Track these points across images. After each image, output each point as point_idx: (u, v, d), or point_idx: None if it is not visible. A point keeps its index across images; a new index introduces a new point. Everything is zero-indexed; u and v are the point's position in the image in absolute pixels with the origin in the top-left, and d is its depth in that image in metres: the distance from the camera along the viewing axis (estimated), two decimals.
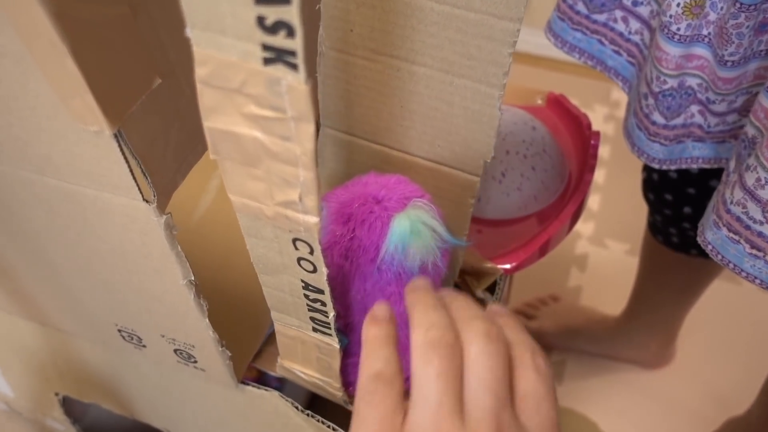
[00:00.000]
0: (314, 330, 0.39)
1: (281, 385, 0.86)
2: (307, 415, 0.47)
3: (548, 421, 0.25)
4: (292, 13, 0.20)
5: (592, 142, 0.61)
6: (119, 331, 0.46)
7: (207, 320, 0.40)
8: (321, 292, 0.33)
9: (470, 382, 0.25)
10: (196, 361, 0.46)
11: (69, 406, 0.63)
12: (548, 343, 0.99)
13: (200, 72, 0.23)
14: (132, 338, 0.47)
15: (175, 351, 0.45)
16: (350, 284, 0.40)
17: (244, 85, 0.23)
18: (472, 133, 0.43)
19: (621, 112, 1.41)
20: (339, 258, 0.39)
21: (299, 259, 0.31)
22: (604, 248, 1.14)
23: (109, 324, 0.46)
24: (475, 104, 0.41)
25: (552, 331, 0.98)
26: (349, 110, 0.44)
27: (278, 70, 0.22)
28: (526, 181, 0.59)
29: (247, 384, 0.48)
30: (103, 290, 0.42)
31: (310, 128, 0.23)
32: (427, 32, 0.39)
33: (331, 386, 0.44)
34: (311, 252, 0.30)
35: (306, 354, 0.42)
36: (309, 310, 0.36)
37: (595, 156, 0.61)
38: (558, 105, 0.67)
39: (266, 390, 0.48)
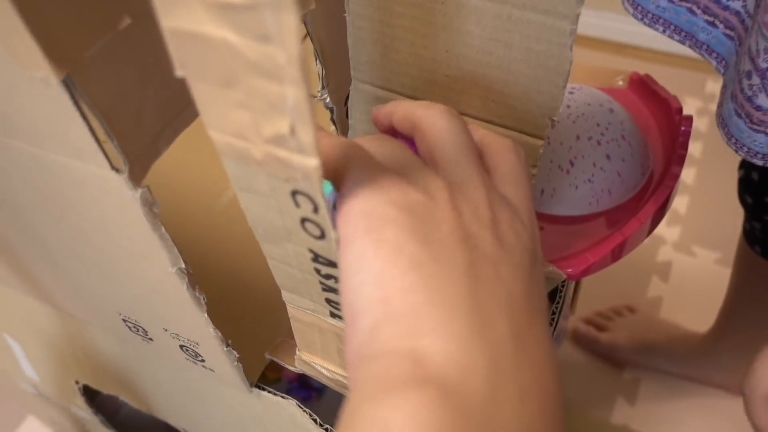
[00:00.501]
0: (332, 315, 0.32)
1: (323, 387, 0.81)
2: (326, 430, 0.41)
3: (527, 194, 0.27)
4: None
5: (683, 128, 0.52)
6: (124, 321, 0.42)
7: (206, 315, 0.34)
8: (333, 265, 0.26)
9: (447, 151, 0.26)
10: (203, 360, 0.41)
11: (102, 401, 0.60)
12: (621, 358, 0.89)
13: None
14: (137, 330, 0.42)
15: (181, 347, 0.40)
16: None
17: None
18: (535, 82, 0.34)
19: None
20: None
21: (303, 221, 0.24)
22: (691, 256, 1.02)
23: (113, 313, 0.42)
24: (540, 44, 0.33)
25: (626, 345, 0.88)
26: (385, 59, 0.37)
27: None
28: (599, 171, 0.50)
29: (263, 389, 0.42)
30: (98, 275, 0.37)
31: (292, 20, 0.17)
32: None
33: None
34: (315, 210, 0.23)
35: (325, 345, 0.36)
36: (323, 289, 0.29)
37: (685, 145, 0.51)
38: (642, 87, 0.58)
39: (283, 397, 0.42)
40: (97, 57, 0.24)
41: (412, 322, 0.20)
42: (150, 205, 0.28)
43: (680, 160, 0.50)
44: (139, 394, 0.52)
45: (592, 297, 0.94)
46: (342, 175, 0.24)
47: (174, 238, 0.30)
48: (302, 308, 0.33)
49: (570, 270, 0.48)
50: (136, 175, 0.27)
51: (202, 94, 0.21)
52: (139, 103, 0.26)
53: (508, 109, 0.36)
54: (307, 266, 0.28)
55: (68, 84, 0.23)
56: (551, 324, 0.47)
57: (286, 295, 0.33)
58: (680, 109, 0.55)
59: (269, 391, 0.42)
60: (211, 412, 0.48)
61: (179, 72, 0.20)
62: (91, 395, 0.59)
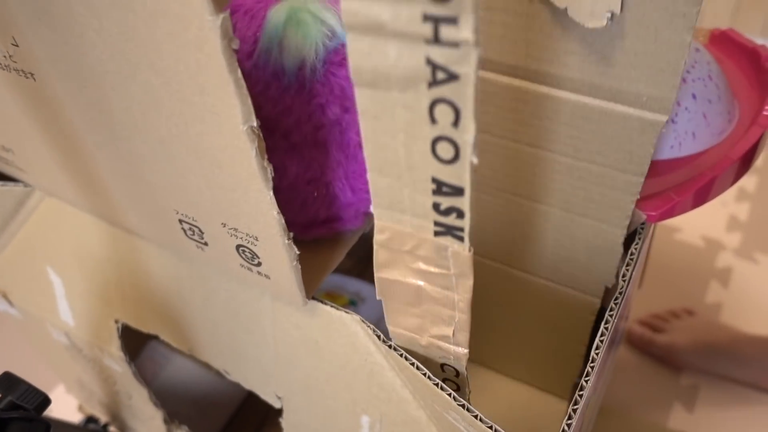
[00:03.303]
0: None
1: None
2: (389, 346, 0.37)
3: None
4: (464, 203, 0.24)
5: None
6: (180, 221, 0.40)
7: (271, 193, 0.31)
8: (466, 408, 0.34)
9: None
10: (259, 264, 0.38)
11: (138, 367, 0.57)
12: (679, 361, 0.84)
13: (379, 238, 0.29)
14: (193, 232, 0.40)
15: (238, 248, 0.38)
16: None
17: (415, 249, 0.28)
18: (593, 262, 0.47)
19: None
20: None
21: (444, 380, 0.35)
22: (753, 263, 0.97)
23: (170, 211, 0.39)
24: (597, 240, 0.45)
25: (686, 347, 0.83)
26: (477, 232, 0.48)
27: (446, 240, 0.27)
28: (684, 111, 0.47)
29: (321, 302, 0.39)
30: (161, 155, 0.35)
31: (469, 283, 0.28)
32: (549, 177, 0.44)
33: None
34: (457, 375, 0.35)
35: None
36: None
37: None
38: (726, 41, 0.55)
39: (346, 312, 0.39)
40: None
41: None
42: (229, 38, 0.25)
43: None
44: (183, 329, 0.50)
45: (648, 302, 0.89)
46: None
47: None
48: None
49: (652, 212, 0.45)
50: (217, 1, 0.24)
51: (389, 305, 0.33)
52: None
53: (570, 276, 0.51)
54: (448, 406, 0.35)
55: None
56: (624, 276, 0.43)
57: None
58: None
59: (331, 306, 0.39)
60: (259, 342, 0.45)
61: (379, 296, 0.32)
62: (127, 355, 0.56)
